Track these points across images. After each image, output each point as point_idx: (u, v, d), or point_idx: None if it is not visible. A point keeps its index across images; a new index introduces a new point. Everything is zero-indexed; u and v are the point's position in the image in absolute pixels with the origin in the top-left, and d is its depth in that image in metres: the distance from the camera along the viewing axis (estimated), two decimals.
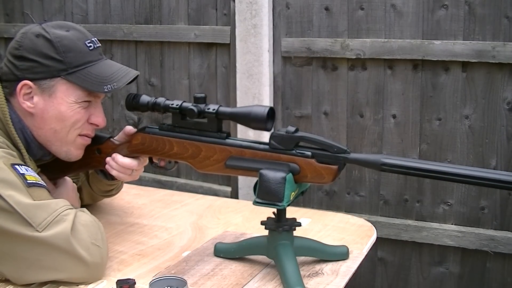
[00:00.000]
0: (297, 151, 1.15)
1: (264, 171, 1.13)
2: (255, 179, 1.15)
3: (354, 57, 2.33)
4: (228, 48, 2.61)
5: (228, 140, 1.20)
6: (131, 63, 2.93)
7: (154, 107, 1.24)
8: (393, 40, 2.26)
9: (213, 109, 1.19)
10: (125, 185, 2.01)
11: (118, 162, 1.29)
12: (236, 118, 1.18)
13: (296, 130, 1.16)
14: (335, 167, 1.12)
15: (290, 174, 1.13)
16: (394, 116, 2.33)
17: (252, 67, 2.48)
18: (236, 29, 2.50)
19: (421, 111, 2.28)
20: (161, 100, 1.24)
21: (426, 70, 2.25)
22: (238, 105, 2.54)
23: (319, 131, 2.46)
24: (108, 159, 1.31)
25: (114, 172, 1.30)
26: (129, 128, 1.32)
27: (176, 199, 1.72)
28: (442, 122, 2.25)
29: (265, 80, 2.47)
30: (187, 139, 1.23)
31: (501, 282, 2.25)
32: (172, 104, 1.22)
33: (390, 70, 2.30)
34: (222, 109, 1.19)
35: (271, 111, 1.15)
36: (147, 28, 2.84)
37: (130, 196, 1.74)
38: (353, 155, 1.11)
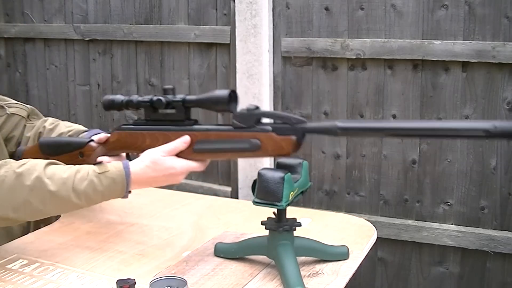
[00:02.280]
0: (258, 127, 1.18)
1: (262, 171, 1.13)
2: (255, 178, 1.15)
3: (354, 57, 2.33)
4: (228, 48, 2.61)
5: (194, 126, 1.24)
6: (131, 63, 2.93)
7: (128, 104, 1.29)
8: (393, 40, 2.26)
9: (180, 98, 1.24)
10: None
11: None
12: (201, 103, 1.23)
13: (257, 108, 1.19)
14: (293, 137, 1.15)
15: (289, 174, 1.14)
16: (394, 116, 2.33)
17: (252, 67, 2.48)
18: (236, 29, 2.50)
19: (421, 111, 2.28)
20: (134, 97, 1.28)
21: (426, 70, 2.25)
22: (238, 106, 2.53)
23: None
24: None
25: None
26: (103, 135, 1.38)
27: (176, 199, 1.72)
28: None
29: (265, 80, 2.47)
30: (157, 130, 1.27)
31: (501, 282, 2.25)
32: (144, 99, 1.27)
33: (390, 70, 2.30)
34: (188, 97, 1.24)
35: (233, 94, 1.20)
36: (147, 28, 2.84)
37: (130, 196, 1.74)
38: (310, 124, 1.14)
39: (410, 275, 2.40)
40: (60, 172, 1.20)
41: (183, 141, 1.23)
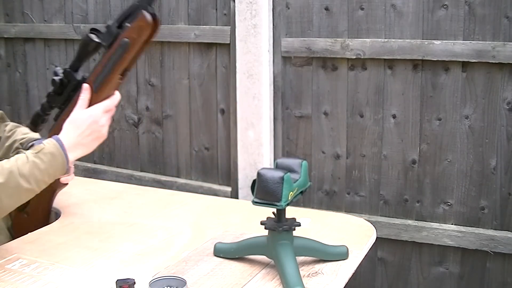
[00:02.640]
0: (118, 31, 1.28)
1: (262, 171, 1.13)
2: (254, 178, 1.15)
3: (354, 57, 2.33)
4: (228, 48, 2.61)
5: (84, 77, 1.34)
6: None
7: (43, 108, 1.37)
8: (393, 40, 2.26)
9: (63, 69, 1.34)
10: (125, 185, 2.02)
11: None
12: (80, 57, 1.32)
13: (114, 22, 1.29)
14: (144, 12, 1.25)
15: (288, 174, 1.14)
16: (394, 116, 2.33)
17: (252, 67, 2.48)
18: (236, 29, 2.50)
19: (421, 111, 2.28)
20: (42, 102, 1.37)
21: (426, 70, 2.25)
22: (238, 106, 2.54)
23: (319, 131, 2.46)
24: None
25: None
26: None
27: (176, 199, 1.72)
28: (442, 122, 2.25)
29: (265, 80, 2.47)
30: (70, 105, 1.35)
31: (501, 282, 2.25)
32: (47, 95, 1.36)
33: (390, 70, 2.30)
34: (68, 65, 1.34)
35: (94, 31, 1.30)
36: None
37: (130, 196, 1.74)
38: None
39: (410, 275, 2.40)
40: (2, 164, 1.23)
41: (84, 91, 1.31)
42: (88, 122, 1.31)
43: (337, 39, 2.35)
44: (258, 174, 1.13)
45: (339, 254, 1.27)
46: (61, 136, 1.30)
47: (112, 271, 1.20)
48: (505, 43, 2.09)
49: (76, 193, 1.74)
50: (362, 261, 1.30)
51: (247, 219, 1.53)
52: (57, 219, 1.55)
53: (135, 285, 1.07)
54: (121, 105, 2.99)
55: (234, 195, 2.64)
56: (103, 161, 3.11)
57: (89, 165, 3.13)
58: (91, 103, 1.32)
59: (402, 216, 2.37)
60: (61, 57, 3.16)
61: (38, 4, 3.18)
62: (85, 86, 1.32)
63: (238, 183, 2.61)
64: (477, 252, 2.24)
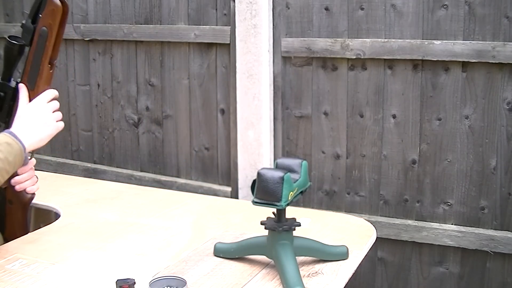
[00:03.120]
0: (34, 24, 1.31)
1: (262, 171, 1.13)
2: (254, 178, 1.15)
3: (354, 57, 2.33)
4: (228, 48, 2.61)
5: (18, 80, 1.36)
6: (131, 63, 2.94)
7: None
8: (393, 40, 2.26)
9: None
10: (125, 185, 2.02)
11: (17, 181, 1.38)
12: (6, 65, 1.34)
13: (28, 19, 1.32)
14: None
15: (288, 174, 1.13)
16: (394, 116, 2.33)
17: (252, 67, 2.48)
18: (236, 29, 2.50)
19: (421, 111, 2.28)
20: None
21: (426, 70, 2.25)
22: (238, 106, 2.54)
23: (319, 131, 2.47)
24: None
25: None
26: None
27: (176, 199, 1.72)
28: (442, 122, 2.25)
29: (265, 80, 2.47)
30: (12, 111, 1.36)
31: (501, 282, 2.25)
32: None
33: (390, 70, 2.30)
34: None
35: (12, 38, 1.32)
36: (147, 28, 2.84)
37: (130, 196, 1.74)
38: None
39: (410, 275, 2.40)
40: None
41: (22, 90, 1.33)
42: (32, 111, 1.33)
43: (337, 39, 2.35)
44: (258, 174, 1.13)
45: (339, 254, 1.27)
46: (11, 129, 1.32)
47: (112, 271, 1.20)
48: (505, 43, 2.09)
49: (76, 193, 1.74)
50: (362, 261, 1.30)
51: (247, 219, 1.53)
52: (57, 219, 1.55)
53: (135, 285, 1.07)
54: (121, 105, 2.99)
55: (234, 195, 2.64)
56: (103, 161, 3.12)
57: (89, 165, 3.13)
58: (30, 100, 1.34)
59: (402, 216, 2.37)
60: (61, 57, 3.16)
61: None
62: (21, 85, 1.34)
63: (238, 183, 2.61)
64: (477, 252, 2.24)
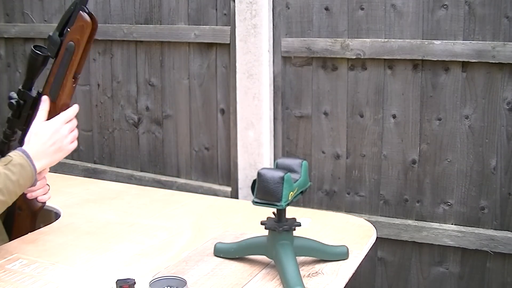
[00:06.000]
0: (62, 38, 1.32)
1: (262, 171, 1.13)
2: (254, 178, 1.15)
3: (354, 57, 2.33)
4: (228, 48, 2.61)
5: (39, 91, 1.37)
6: (131, 63, 2.94)
7: (5, 136, 1.38)
8: (393, 40, 2.26)
9: (19, 89, 1.37)
10: (125, 185, 2.02)
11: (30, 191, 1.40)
12: (29, 76, 1.36)
13: (55, 32, 1.33)
14: (81, 12, 1.30)
15: (288, 174, 1.13)
16: (394, 116, 2.33)
17: (252, 67, 2.48)
18: (236, 29, 2.50)
19: (421, 111, 2.28)
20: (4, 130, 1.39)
21: (426, 70, 2.25)
22: (238, 106, 2.54)
23: (319, 131, 2.46)
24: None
25: None
26: None
27: (176, 199, 1.72)
28: (442, 122, 2.25)
29: (265, 80, 2.47)
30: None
31: (501, 282, 2.25)
32: (7, 121, 1.37)
33: (390, 70, 2.30)
34: (22, 84, 1.37)
35: (37, 47, 1.33)
36: (147, 28, 2.84)
37: (130, 196, 1.74)
38: None
39: (410, 275, 2.40)
40: None
41: (43, 103, 1.34)
42: (49, 132, 1.33)
43: (337, 39, 2.35)
44: (258, 174, 1.13)
45: (339, 254, 1.27)
46: (25, 147, 1.31)
47: (112, 271, 1.20)
48: (505, 43, 2.09)
49: (76, 193, 1.74)
50: (362, 261, 1.30)
51: (247, 219, 1.53)
52: (57, 219, 1.55)
53: (135, 285, 1.07)
54: (121, 105, 2.99)
55: (234, 195, 2.64)
56: (103, 161, 3.11)
57: (89, 165, 3.13)
58: (50, 113, 1.35)
59: (402, 216, 2.37)
60: None
61: (38, 4, 3.18)
62: (44, 97, 1.35)
63: (238, 183, 2.61)
64: (477, 252, 2.24)
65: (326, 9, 2.37)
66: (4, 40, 3.31)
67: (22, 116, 1.37)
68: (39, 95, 1.36)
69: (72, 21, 1.31)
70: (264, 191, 1.12)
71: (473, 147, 2.22)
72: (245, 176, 2.57)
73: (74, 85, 1.35)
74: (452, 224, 2.29)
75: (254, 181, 1.15)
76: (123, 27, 2.90)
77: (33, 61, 1.33)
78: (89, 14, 1.32)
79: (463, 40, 2.16)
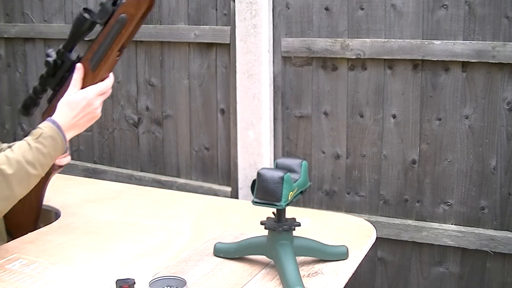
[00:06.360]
0: (115, 7, 1.27)
1: (262, 171, 1.13)
2: (254, 178, 1.15)
3: (354, 57, 2.33)
4: (228, 48, 2.61)
5: (80, 55, 1.34)
6: (131, 63, 2.94)
7: (34, 91, 1.36)
8: (393, 40, 2.26)
9: (58, 49, 1.34)
10: (125, 185, 2.02)
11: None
12: (73, 37, 1.32)
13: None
14: None
15: (288, 174, 1.14)
16: (394, 116, 2.33)
17: (252, 67, 2.48)
18: (236, 29, 2.50)
19: (421, 111, 2.28)
20: (34, 85, 1.37)
21: (426, 70, 2.25)
22: (238, 105, 2.54)
23: (319, 131, 2.46)
24: None
25: None
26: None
27: (176, 199, 1.72)
28: (442, 122, 2.25)
29: (265, 80, 2.47)
30: (65, 85, 1.35)
31: (501, 282, 2.25)
32: (39, 78, 1.35)
33: (390, 70, 2.30)
34: (62, 45, 1.34)
35: (85, 10, 1.30)
36: (147, 28, 2.84)
37: (130, 196, 1.74)
38: None
39: (410, 275, 2.40)
40: (7, 154, 1.24)
41: (77, 70, 1.31)
42: (82, 104, 1.32)
43: (337, 39, 2.35)
44: (258, 174, 1.13)
45: (339, 254, 1.27)
46: (55, 117, 1.31)
47: (112, 271, 1.20)
48: (505, 43, 2.09)
49: (76, 193, 1.74)
50: (362, 261, 1.30)
51: (247, 219, 1.53)
52: (57, 219, 1.55)
53: (135, 285, 1.07)
54: (121, 105, 2.99)
55: (234, 195, 2.64)
56: (103, 161, 3.12)
57: (89, 165, 3.13)
58: (87, 81, 1.32)
59: (402, 216, 2.37)
60: None
61: (38, 4, 3.18)
62: (78, 65, 1.32)
63: (238, 183, 2.61)
64: (477, 252, 2.24)
65: (326, 9, 2.37)
66: (4, 40, 3.31)
67: (57, 76, 1.35)
68: (79, 59, 1.33)
69: None
70: (264, 191, 1.12)
71: (473, 147, 2.22)
72: (245, 176, 2.57)
73: (118, 57, 1.32)
74: (452, 224, 2.29)
75: (254, 181, 1.15)
76: None
77: (79, 24, 1.29)
78: None
79: (463, 40, 2.16)
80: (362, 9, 2.31)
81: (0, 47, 3.34)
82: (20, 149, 1.25)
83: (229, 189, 2.69)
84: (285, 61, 2.48)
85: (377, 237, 1.46)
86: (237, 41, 2.50)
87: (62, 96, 1.34)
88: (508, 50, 2.08)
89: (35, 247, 1.34)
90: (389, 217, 2.39)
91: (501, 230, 2.22)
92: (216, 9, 2.65)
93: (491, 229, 2.23)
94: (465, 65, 2.17)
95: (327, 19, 2.38)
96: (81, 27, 1.30)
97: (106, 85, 1.34)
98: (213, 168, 2.77)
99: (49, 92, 1.40)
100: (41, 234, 1.43)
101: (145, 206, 1.65)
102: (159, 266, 1.23)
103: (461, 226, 2.27)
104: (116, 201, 1.68)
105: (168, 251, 1.32)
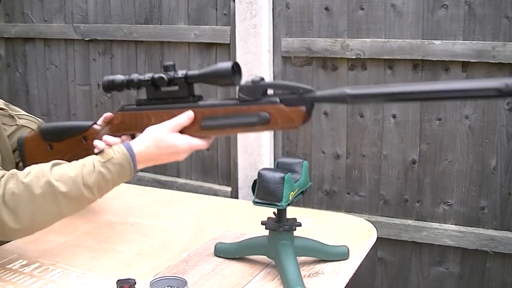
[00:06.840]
0: (265, 99, 1.14)
1: (262, 171, 1.13)
2: (255, 178, 1.15)
3: (354, 57, 2.33)
4: (228, 48, 2.61)
5: (200, 102, 1.21)
6: (131, 63, 2.93)
7: (128, 83, 1.25)
8: (393, 40, 2.26)
9: (182, 74, 1.20)
10: (125, 185, 2.01)
11: (105, 141, 1.27)
12: (204, 78, 1.20)
13: (262, 79, 1.15)
14: (303, 108, 1.12)
15: (289, 174, 1.13)
16: (394, 116, 2.33)
17: (252, 67, 2.48)
18: (236, 29, 2.50)
19: (421, 111, 2.28)
20: (134, 76, 1.25)
21: (426, 70, 2.25)
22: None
23: (319, 131, 2.46)
24: (95, 141, 1.28)
25: None
26: (109, 114, 1.33)
27: (176, 199, 1.72)
28: (442, 122, 2.25)
29: (265, 80, 2.47)
30: (162, 108, 1.23)
31: (501, 282, 2.25)
32: (145, 78, 1.23)
33: (390, 70, 2.30)
34: (190, 72, 1.20)
35: (237, 66, 1.17)
36: (147, 28, 2.84)
37: (130, 196, 1.74)
38: (318, 93, 1.12)
39: (410, 275, 2.40)
40: (67, 171, 1.16)
41: (186, 116, 1.19)
42: (171, 149, 1.20)
43: (337, 39, 2.35)
44: (259, 174, 1.13)
45: (340, 254, 1.27)
46: (135, 145, 1.21)
47: (112, 271, 1.20)
48: (505, 43, 2.09)
49: None
50: (362, 261, 1.30)
51: (247, 219, 1.53)
52: None
53: (135, 285, 1.07)
54: (121, 105, 2.98)
55: (234, 195, 2.64)
56: None
57: None
58: (188, 131, 1.20)
59: (402, 216, 2.37)
60: (61, 57, 3.16)
61: (38, 4, 3.18)
62: (190, 113, 1.19)
63: (238, 183, 2.61)
64: (477, 252, 2.24)
65: (326, 9, 2.37)
66: (4, 40, 3.31)
67: (160, 92, 1.23)
68: (195, 98, 1.22)
69: (288, 101, 1.12)
70: (265, 191, 1.12)
71: (473, 147, 2.22)
72: (245, 176, 2.57)
73: (227, 135, 1.21)
74: (452, 224, 2.29)
75: (255, 181, 1.15)
76: (123, 27, 2.90)
77: (221, 74, 1.17)
78: (308, 112, 1.12)
79: (463, 40, 2.16)
80: (362, 9, 2.31)
81: (0, 47, 3.34)
82: (82, 168, 1.17)
83: (229, 189, 2.69)
84: (285, 61, 2.48)
85: (377, 237, 1.46)
86: (237, 41, 2.50)
87: (154, 118, 1.23)
88: (508, 50, 2.08)
89: (35, 247, 1.34)
90: (389, 217, 2.39)
91: (501, 230, 2.22)
92: (216, 9, 2.65)
93: (491, 229, 2.24)
94: (465, 65, 2.17)
95: (327, 19, 2.38)
96: (219, 78, 1.18)
97: (202, 145, 1.21)
98: (213, 168, 2.76)
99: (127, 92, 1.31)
100: (41, 234, 1.42)
101: (145, 206, 1.65)
102: (160, 266, 1.23)
103: (461, 226, 2.27)
104: (116, 201, 1.68)
105: (169, 251, 1.32)
